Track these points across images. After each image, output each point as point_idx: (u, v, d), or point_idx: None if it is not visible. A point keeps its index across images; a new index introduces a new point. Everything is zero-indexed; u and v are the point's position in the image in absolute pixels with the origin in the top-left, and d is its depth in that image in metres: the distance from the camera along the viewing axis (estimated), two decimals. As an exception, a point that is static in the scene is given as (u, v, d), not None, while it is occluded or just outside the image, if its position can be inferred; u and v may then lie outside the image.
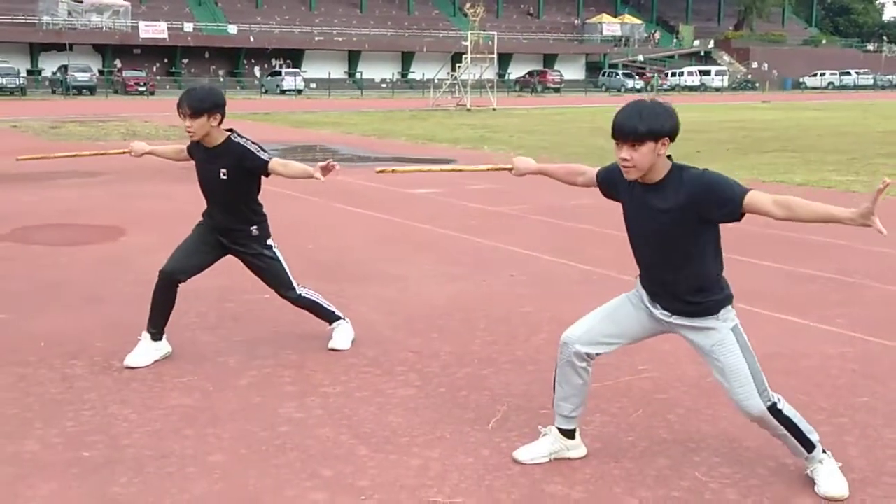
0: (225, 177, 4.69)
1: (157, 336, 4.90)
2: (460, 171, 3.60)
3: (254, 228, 4.85)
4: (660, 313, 3.43)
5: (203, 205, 4.98)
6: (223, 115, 4.65)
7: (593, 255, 7.72)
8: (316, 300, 5.11)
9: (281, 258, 4.95)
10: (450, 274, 7.11)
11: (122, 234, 8.80)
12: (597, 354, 3.53)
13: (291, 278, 4.98)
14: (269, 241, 4.92)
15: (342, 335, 5.15)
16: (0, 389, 4.45)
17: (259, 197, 4.90)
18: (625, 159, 3.15)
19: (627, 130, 3.11)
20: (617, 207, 3.51)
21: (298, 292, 5.01)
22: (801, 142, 20.48)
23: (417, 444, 3.82)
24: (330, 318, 5.16)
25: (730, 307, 3.39)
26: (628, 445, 3.79)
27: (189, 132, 4.62)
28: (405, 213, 10.09)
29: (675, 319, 3.40)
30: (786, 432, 3.36)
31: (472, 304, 6.14)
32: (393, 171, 3.23)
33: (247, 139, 4.73)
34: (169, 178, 13.16)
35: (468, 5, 51.11)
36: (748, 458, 3.68)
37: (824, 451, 3.44)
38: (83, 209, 10.36)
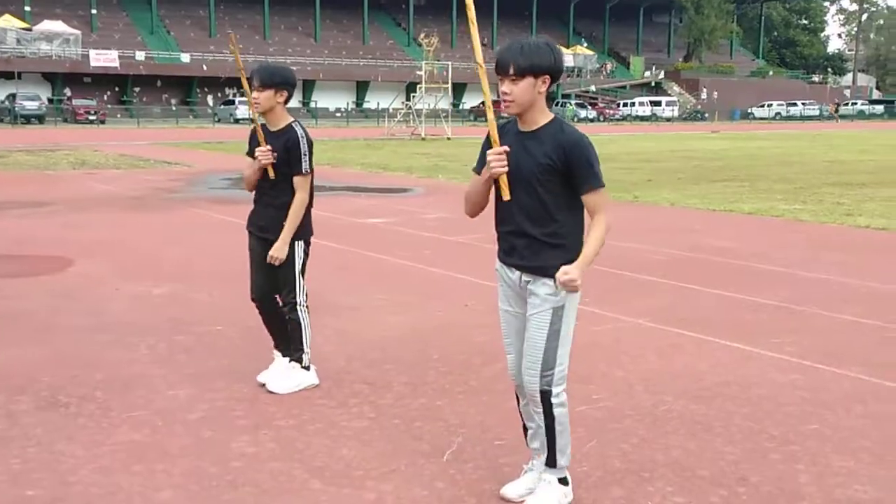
0: (274, 160, 4.71)
1: (285, 354, 4.98)
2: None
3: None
4: (515, 276, 3.39)
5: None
6: (290, 95, 4.77)
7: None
8: (303, 324, 4.92)
9: (298, 262, 4.83)
10: (404, 304, 7.09)
11: (71, 264, 8.64)
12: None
13: (298, 287, 4.86)
14: (299, 242, 4.83)
15: (289, 379, 4.90)
16: (-59, 426, 4.33)
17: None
18: (505, 93, 3.19)
19: (507, 63, 3.17)
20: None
21: (298, 301, 4.86)
22: (750, 171, 20.87)
23: (371, 478, 3.79)
24: (298, 348, 4.93)
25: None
26: (582, 475, 3.79)
27: (255, 103, 4.71)
28: (359, 243, 10.07)
29: (524, 278, 3.36)
30: (542, 425, 3.38)
31: (426, 335, 6.12)
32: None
33: (305, 136, 4.75)
34: (118, 207, 13.01)
35: (423, 36, 51.63)
36: (701, 488, 3.70)
37: (565, 483, 3.49)
38: (30, 239, 10.17)
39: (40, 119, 51.34)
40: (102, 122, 52.84)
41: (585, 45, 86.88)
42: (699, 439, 4.22)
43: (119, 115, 59.75)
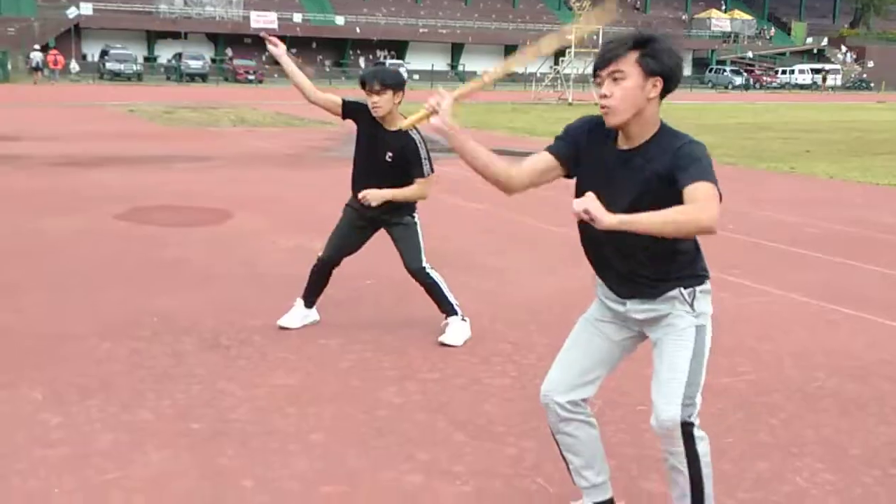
0: (389, 160, 4.86)
1: (308, 305, 5.37)
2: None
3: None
4: (625, 309, 2.84)
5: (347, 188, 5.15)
6: (403, 97, 4.84)
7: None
8: (439, 283, 5.12)
9: (419, 229, 5.10)
10: (548, 267, 7.11)
11: (230, 216, 9.08)
12: (583, 400, 2.94)
13: (422, 253, 5.08)
14: (414, 213, 5.10)
15: (456, 331, 5.11)
16: (115, 361, 4.68)
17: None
18: (604, 96, 2.60)
19: (609, 56, 2.58)
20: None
21: (424, 265, 5.06)
22: (919, 144, 19.65)
23: (513, 434, 3.86)
24: (448, 309, 5.13)
25: (698, 292, 2.76)
26: (727, 447, 3.74)
27: (375, 107, 4.78)
28: (503, 205, 10.09)
29: (635, 306, 2.81)
30: (684, 468, 2.71)
31: (569, 298, 6.12)
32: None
33: (422, 140, 4.84)
34: (276, 164, 13.51)
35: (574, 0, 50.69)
36: (853, 467, 3.59)
37: None
38: (196, 192, 10.72)
39: (203, 78, 53.70)
40: (260, 81, 54.82)
41: (743, 9, 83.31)
42: (852, 418, 4.08)
43: (276, 76, 61.58)
